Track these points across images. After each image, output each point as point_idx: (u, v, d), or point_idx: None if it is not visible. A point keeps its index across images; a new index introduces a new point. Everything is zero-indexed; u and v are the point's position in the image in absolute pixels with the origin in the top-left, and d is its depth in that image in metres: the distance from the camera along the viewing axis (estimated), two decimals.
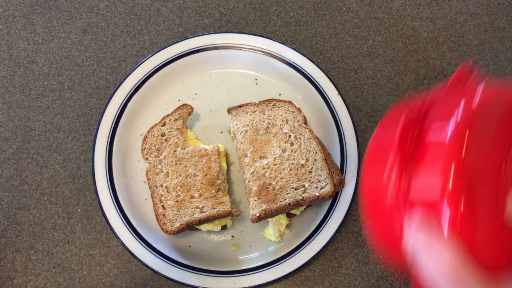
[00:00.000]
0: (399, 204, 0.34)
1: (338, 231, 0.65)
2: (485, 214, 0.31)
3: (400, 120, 0.35)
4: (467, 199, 0.30)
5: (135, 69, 0.70)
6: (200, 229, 0.67)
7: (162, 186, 0.65)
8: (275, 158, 0.64)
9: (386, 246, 0.37)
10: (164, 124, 0.68)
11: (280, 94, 0.73)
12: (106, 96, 0.74)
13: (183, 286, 0.64)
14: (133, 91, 0.70)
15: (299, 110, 0.68)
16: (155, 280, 0.66)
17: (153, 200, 0.65)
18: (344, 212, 0.65)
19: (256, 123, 0.67)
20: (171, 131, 0.68)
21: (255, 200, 0.62)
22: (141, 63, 0.71)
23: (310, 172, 0.63)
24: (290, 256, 0.64)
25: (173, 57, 0.72)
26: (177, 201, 0.64)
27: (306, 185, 0.62)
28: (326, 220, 0.66)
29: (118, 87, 0.70)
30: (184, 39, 0.72)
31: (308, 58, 0.71)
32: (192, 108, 0.69)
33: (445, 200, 0.30)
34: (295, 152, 0.65)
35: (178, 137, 0.68)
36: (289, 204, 0.61)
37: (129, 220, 0.65)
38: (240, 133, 0.67)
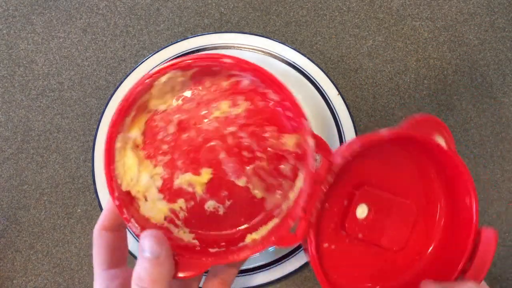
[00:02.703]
0: None
1: None
2: None
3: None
4: None
5: (135, 69, 0.70)
6: None
7: None
8: None
9: None
10: None
11: None
12: (106, 96, 0.74)
13: None
14: None
15: None
16: None
17: None
18: None
19: None
20: None
21: None
22: (141, 63, 0.70)
23: None
24: (290, 256, 0.64)
25: (173, 57, 0.72)
26: None
27: None
28: None
29: (118, 87, 0.70)
30: (184, 39, 0.72)
31: (308, 58, 0.71)
32: None
33: None
34: None
35: None
36: None
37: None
38: None
